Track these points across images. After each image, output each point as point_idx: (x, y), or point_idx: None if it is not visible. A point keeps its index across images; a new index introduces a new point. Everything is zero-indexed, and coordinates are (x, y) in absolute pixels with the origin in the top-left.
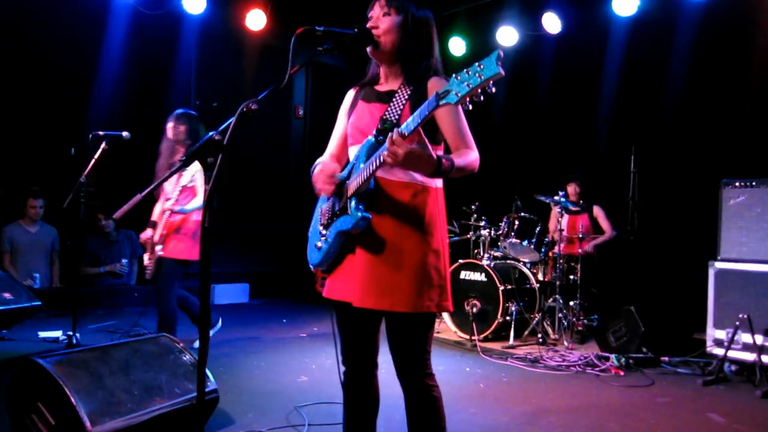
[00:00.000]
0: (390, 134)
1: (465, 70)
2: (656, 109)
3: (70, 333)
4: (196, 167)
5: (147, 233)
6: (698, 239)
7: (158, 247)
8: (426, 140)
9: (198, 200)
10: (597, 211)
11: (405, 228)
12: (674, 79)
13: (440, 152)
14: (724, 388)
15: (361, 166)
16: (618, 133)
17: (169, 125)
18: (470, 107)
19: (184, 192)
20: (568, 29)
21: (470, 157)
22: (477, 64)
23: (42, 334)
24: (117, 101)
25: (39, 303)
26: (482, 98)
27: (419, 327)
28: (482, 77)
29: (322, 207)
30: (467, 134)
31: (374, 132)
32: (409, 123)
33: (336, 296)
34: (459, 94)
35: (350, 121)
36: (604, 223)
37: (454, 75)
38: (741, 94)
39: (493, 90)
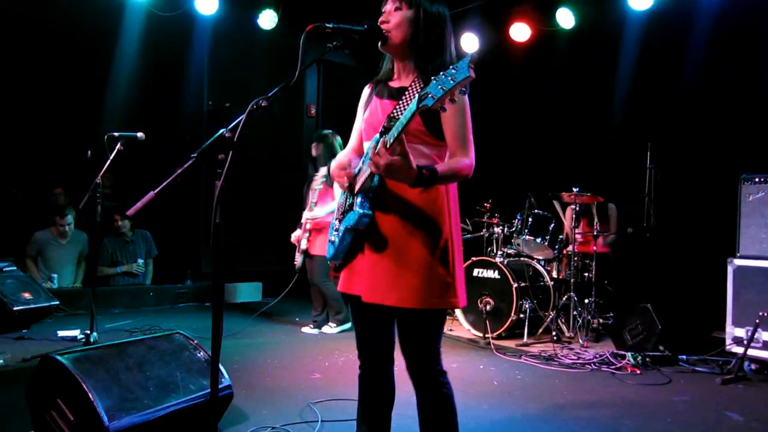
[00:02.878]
0: (374, 144)
1: (443, 72)
2: (673, 104)
3: (88, 332)
4: (322, 173)
5: (296, 233)
6: (716, 236)
7: (303, 242)
8: (408, 151)
9: (328, 204)
10: (611, 209)
11: (411, 224)
12: (691, 74)
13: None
14: (743, 387)
15: (367, 163)
16: (634, 129)
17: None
18: (446, 110)
19: (317, 196)
20: (582, 24)
21: (458, 165)
22: (452, 67)
23: (61, 333)
24: (131, 102)
25: (57, 302)
26: (455, 101)
27: (428, 323)
28: (455, 80)
29: (339, 201)
30: (466, 140)
31: (381, 129)
32: (393, 131)
33: (348, 290)
34: (435, 97)
35: (364, 117)
36: (612, 222)
37: (433, 77)
38: (760, 88)
39: (467, 91)
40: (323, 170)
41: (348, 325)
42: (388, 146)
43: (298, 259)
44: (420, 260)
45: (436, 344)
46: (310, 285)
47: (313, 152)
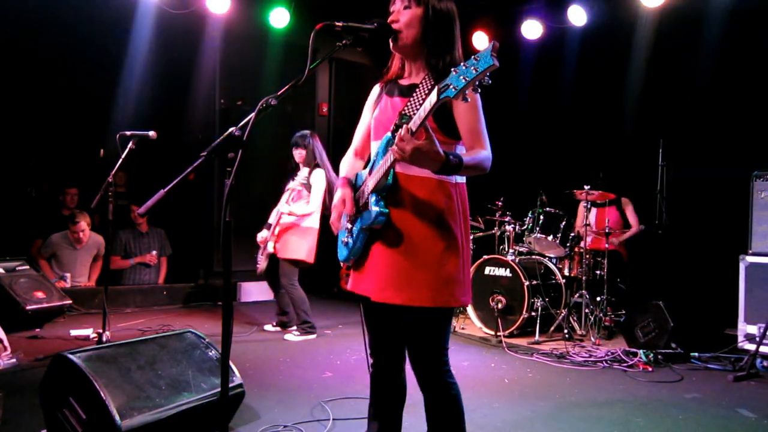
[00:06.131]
0: (399, 130)
1: (463, 63)
2: (685, 101)
3: (100, 331)
4: (303, 173)
5: (262, 233)
6: (728, 233)
7: (270, 244)
8: (434, 137)
9: (306, 205)
10: (625, 204)
11: (423, 223)
12: (703, 70)
13: (460, 147)
14: (755, 384)
15: (380, 162)
16: (646, 126)
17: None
18: (468, 101)
19: (298, 196)
20: (594, 21)
21: (480, 156)
22: (473, 57)
23: (73, 332)
24: (143, 101)
25: (69, 302)
26: (479, 90)
27: (437, 322)
28: (477, 70)
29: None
30: (482, 133)
31: (392, 127)
32: (415, 119)
33: (358, 290)
34: (456, 88)
35: (374, 115)
36: (631, 216)
37: (453, 69)
38: None
39: (489, 81)
40: (304, 170)
41: (313, 337)
42: (413, 132)
43: (263, 262)
44: (431, 258)
45: (445, 343)
46: (274, 288)
47: (299, 158)
